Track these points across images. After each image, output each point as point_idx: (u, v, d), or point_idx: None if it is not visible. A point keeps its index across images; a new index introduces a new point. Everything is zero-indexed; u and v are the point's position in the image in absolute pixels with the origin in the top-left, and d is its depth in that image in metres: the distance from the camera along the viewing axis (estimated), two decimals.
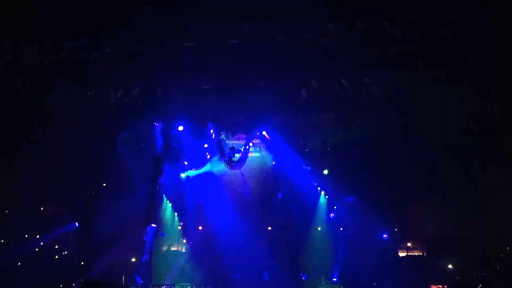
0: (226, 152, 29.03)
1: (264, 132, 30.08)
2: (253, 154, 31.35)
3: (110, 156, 28.03)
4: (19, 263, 28.56)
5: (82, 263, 28.59)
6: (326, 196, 31.20)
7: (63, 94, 25.18)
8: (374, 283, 28.33)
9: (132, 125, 27.84)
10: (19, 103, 24.04)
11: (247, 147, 29.86)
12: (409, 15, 22.05)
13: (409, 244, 30.75)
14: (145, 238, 27.61)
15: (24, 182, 26.99)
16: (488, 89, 23.77)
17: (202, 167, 30.03)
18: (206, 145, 29.98)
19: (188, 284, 29.14)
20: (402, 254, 30.67)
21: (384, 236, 29.50)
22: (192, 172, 30.50)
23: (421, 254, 30.66)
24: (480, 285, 24.38)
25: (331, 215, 30.90)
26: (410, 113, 26.32)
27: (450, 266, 28.69)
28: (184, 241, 32.10)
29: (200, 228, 31.58)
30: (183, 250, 31.88)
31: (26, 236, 29.52)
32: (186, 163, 29.87)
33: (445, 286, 27.40)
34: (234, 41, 23.58)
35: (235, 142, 30.49)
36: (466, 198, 26.85)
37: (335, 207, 30.92)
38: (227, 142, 30.40)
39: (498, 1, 19.85)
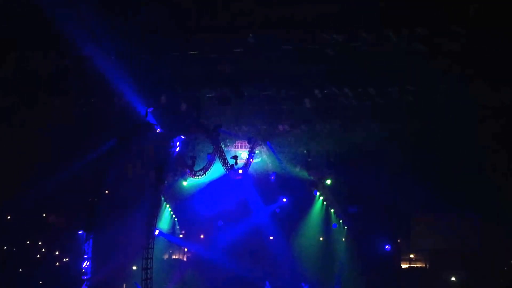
0: (228, 161, 28.90)
1: (267, 141, 29.94)
2: (254, 160, 31.19)
3: (112, 164, 27.88)
4: (20, 270, 28.50)
5: (83, 270, 28.47)
6: (329, 206, 31.05)
7: (65, 102, 25.16)
8: None
9: (135, 133, 27.72)
10: (22, 111, 24.12)
11: (250, 159, 29.74)
12: (415, 27, 21.95)
13: (412, 256, 30.62)
14: (146, 245, 27.45)
15: (26, 189, 26.94)
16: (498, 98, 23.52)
17: (204, 175, 29.89)
18: (208, 153, 29.84)
19: None
20: (404, 265, 30.53)
21: (386, 247, 29.33)
22: (194, 180, 30.35)
23: (424, 266, 30.51)
24: None
25: (334, 225, 30.76)
26: (415, 124, 26.14)
27: (453, 278, 28.50)
28: (186, 249, 32.01)
29: (202, 236, 31.51)
30: (184, 259, 31.79)
31: (28, 242, 29.49)
32: (188, 171, 29.72)
33: None
34: (239, 50, 23.50)
35: (238, 150, 30.37)
36: (470, 211, 26.69)
37: (337, 217, 30.78)
38: (229, 150, 30.27)
39: None
